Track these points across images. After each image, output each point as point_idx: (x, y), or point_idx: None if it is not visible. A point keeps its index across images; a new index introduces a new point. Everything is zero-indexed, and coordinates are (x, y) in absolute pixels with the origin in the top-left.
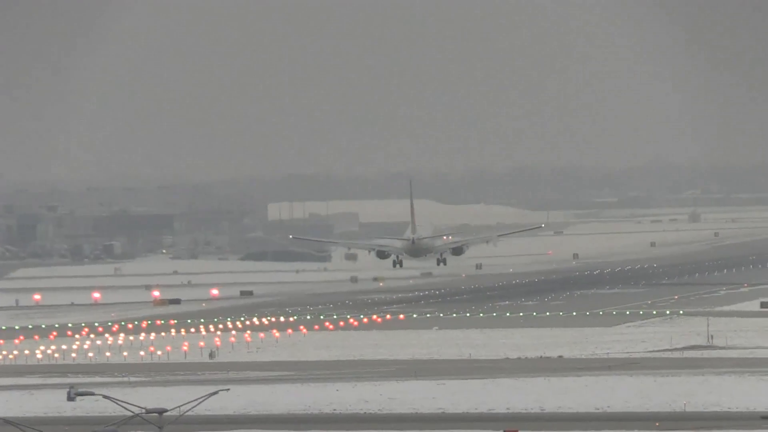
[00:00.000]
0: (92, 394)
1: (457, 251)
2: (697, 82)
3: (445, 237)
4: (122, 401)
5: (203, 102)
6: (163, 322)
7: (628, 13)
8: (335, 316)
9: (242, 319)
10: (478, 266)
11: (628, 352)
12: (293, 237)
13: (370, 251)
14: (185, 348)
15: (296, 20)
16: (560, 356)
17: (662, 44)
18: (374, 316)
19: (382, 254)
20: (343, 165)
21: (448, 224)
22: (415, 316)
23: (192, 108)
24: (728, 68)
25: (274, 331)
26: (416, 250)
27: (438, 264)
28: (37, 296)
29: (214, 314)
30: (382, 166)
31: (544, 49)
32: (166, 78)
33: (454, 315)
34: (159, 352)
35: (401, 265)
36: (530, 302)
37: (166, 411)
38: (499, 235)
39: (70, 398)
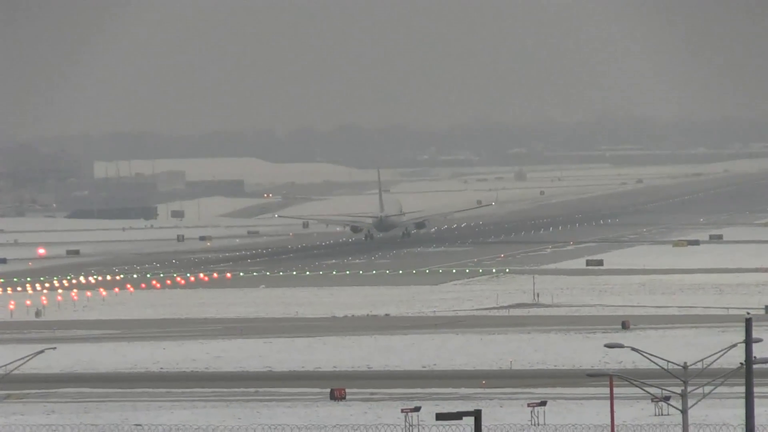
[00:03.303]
0: None
1: (420, 225)
2: (518, 45)
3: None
4: None
5: (24, 60)
6: None
7: None
8: (162, 275)
9: (69, 277)
10: (305, 224)
11: (454, 310)
12: (278, 215)
13: (344, 226)
14: (11, 307)
15: None
16: (387, 314)
17: (490, 15)
18: (201, 275)
19: (355, 229)
20: (168, 123)
21: (274, 183)
22: (241, 274)
23: (13, 66)
24: (559, 31)
25: (101, 289)
26: (384, 226)
27: (402, 236)
28: None
29: (40, 273)
30: (206, 125)
31: (378, 9)
32: None
33: (281, 273)
34: None
35: (372, 238)
36: (357, 261)
37: None
38: (455, 212)
39: None
